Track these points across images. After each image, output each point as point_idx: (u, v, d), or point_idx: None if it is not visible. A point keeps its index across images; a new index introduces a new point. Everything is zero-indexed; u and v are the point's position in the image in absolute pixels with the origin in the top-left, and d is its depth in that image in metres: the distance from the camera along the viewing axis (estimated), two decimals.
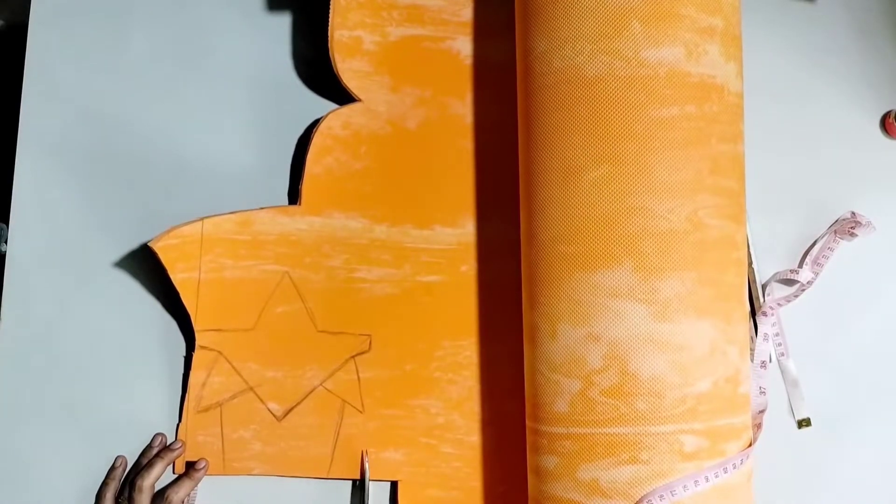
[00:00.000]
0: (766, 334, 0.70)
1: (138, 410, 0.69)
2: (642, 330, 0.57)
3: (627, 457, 0.56)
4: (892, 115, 0.72)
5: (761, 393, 0.68)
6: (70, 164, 0.70)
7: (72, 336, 0.67)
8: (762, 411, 0.67)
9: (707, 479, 0.57)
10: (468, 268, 0.72)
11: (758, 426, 0.65)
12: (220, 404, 0.69)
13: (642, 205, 0.57)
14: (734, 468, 0.58)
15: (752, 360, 0.69)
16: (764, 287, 0.71)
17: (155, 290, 0.70)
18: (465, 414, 0.70)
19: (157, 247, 0.67)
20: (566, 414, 0.59)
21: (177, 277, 0.68)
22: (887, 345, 0.72)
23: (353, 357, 0.70)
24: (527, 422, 0.64)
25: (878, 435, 0.71)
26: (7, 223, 0.69)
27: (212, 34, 0.73)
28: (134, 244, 0.70)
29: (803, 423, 0.70)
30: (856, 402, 0.71)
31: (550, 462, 0.60)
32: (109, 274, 0.70)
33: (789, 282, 0.72)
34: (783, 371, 0.71)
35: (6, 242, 0.69)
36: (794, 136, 0.74)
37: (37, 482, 0.67)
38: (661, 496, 0.56)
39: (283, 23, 0.74)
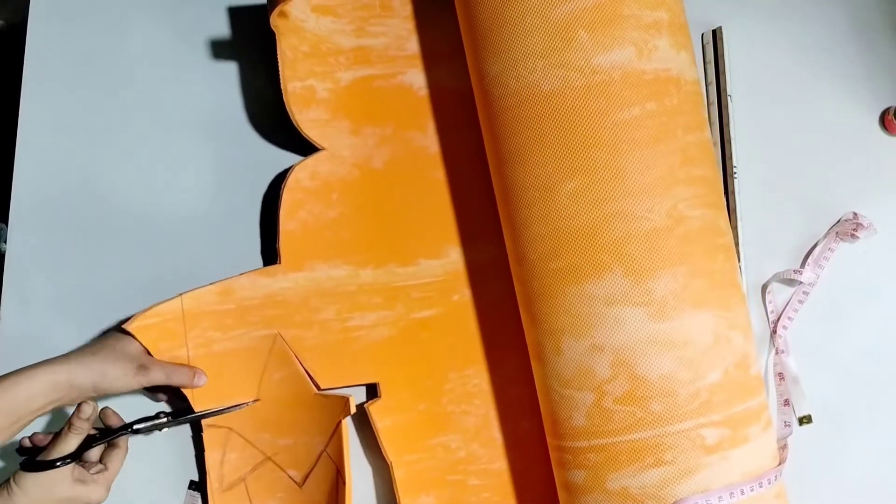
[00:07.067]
0: (778, 350, 0.69)
1: (139, 405, 0.68)
2: (644, 332, 0.57)
3: (652, 460, 0.56)
4: (892, 112, 0.70)
5: (786, 426, 0.67)
6: (70, 163, 0.70)
7: (71, 336, 0.67)
8: (787, 436, 0.67)
9: (742, 493, 0.56)
10: (460, 296, 0.71)
11: (783, 447, 0.64)
12: (243, 479, 0.68)
13: (621, 209, 0.57)
14: (769, 483, 0.58)
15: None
16: (764, 287, 0.70)
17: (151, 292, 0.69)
18: (484, 443, 0.69)
19: (133, 328, 0.65)
20: (585, 427, 0.59)
21: (163, 357, 0.66)
22: (888, 341, 0.70)
23: (366, 405, 0.68)
24: (548, 439, 0.64)
25: (879, 432, 0.69)
26: (7, 223, 0.69)
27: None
28: (134, 241, 0.71)
29: (804, 419, 0.69)
30: (856, 399, 0.69)
31: (578, 476, 0.60)
32: (109, 273, 0.69)
33: (790, 282, 0.70)
34: (784, 368, 0.69)
35: (6, 242, 0.69)
36: (792, 133, 0.72)
37: None
38: None
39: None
